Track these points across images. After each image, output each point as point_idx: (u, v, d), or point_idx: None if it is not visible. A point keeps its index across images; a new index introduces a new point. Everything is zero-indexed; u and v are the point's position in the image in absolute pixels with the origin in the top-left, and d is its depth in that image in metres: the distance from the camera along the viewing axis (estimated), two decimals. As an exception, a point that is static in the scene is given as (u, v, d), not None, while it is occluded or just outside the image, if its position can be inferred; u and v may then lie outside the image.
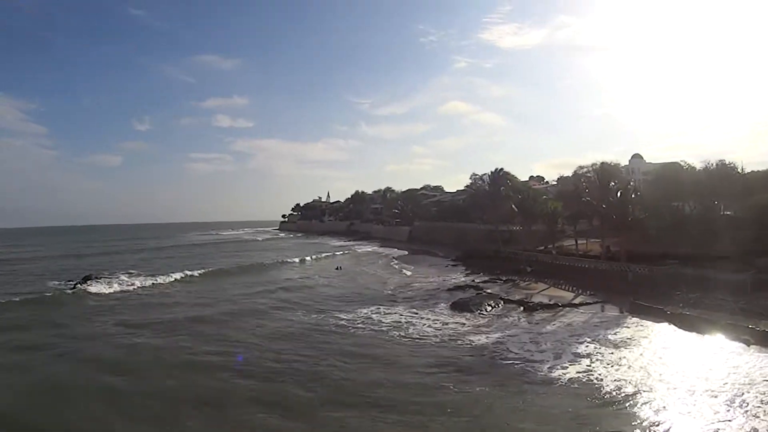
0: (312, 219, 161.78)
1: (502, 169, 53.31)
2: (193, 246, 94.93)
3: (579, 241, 49.18)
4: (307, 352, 20.31)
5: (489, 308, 31.55)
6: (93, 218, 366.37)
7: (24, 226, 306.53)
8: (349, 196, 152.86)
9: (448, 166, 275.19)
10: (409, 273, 48.97)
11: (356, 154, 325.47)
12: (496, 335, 24.23)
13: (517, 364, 19.32)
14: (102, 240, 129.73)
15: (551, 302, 33.16)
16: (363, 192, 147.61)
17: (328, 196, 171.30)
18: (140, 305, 31.27)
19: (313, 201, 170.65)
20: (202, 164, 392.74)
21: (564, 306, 32.65)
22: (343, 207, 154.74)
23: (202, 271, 45.58)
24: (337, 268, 54.03)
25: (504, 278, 41.17)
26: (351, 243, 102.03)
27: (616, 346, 22.49)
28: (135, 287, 38.53)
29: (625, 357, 20.45)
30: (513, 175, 60.58)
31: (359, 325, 25.32)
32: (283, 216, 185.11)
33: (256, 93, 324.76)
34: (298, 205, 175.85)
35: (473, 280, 41.45)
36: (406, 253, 73.62)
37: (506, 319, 28.47)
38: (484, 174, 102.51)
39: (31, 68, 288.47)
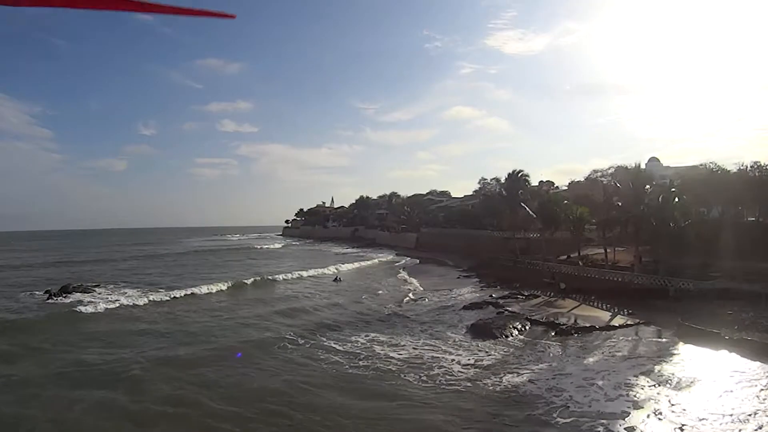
0: (315, 225, 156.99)
1: (520, 171, 48.25)
2: (188, 254, 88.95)
3: (597, 251, 44.33)
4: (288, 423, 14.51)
5: (515, 332, 26.61)
6: (99, 222, 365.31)
7: (30, 230, 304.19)
8: (354, 202, 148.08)
9: (453, 171, 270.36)
10: (417, 286, 43.92)
11: (361, 160, 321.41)
12: (538, 372, 19.26)
13: (587, 422, 14.32)
14: (103, 245, 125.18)
15: (586, 324, 28.23)
16: (368, 197, 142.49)
17: (332, 201, 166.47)
18: (103, 333, 25.52)
19: (317, 206, 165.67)
20: (207, 169, 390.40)
21: (601, 329, 27.74)
22: (348, 212, 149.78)
23: (188, 291, 38.54)
24: (335, 280, 48.99)
25: (525, 293, 36.10)
26: (355, 250, 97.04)
27: (684, 385, 18.05)
28: (115, 305, 32.97)
29: (709, 404, 15.94)
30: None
31: (362, 363, 19.79)
32: (287, 221, 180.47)
33: (260, 97, 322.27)
34: (301, 210, 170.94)
35: (490, 296, 36.43)
36: (414, 261, 68.51)
37: (540, 348, 23.53)
38: (493, 179, 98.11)
39: (37, 72, 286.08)
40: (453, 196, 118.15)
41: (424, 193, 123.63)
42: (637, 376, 19.45)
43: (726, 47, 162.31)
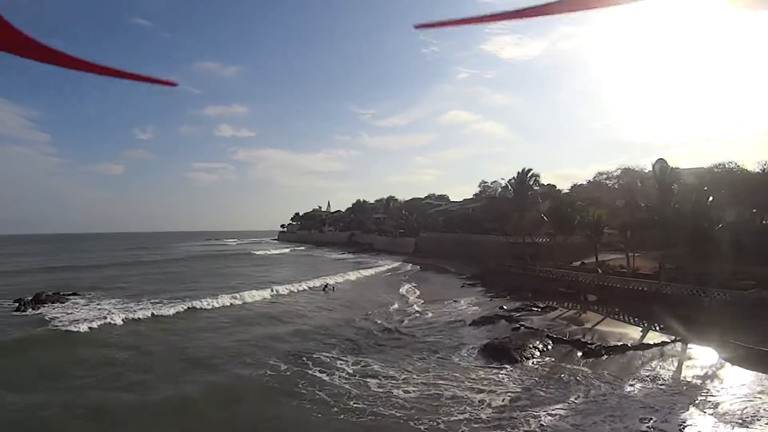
0: (311, 229, 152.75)
1: (529, 170, 43.94)
2: (180, 261, 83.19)
3: (611, 257, 40.48)
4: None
5: (537, 353, 22.44)
6: (97, 226, 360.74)
7: (29, 233, 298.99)
8: (350, 206, 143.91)
9: (450, 176, 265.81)
10: (418, 296, 39.56)
11: (358, 165, 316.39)
12: (582, 410, 15.07)
13: None
14: (96, 250, 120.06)
15: (617, 342, 24.08)
16: (365, 201, 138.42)
17: (329, 205, 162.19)
18: (52, 362, 20.22)
19: (313, 210, 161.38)
20: (204, 173, 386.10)
21: (635, 348, 23.62)
22: (344, 217, 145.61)
23: (164, 309, 32.09)
24: (324, 289, 44.24)
25: (541, 305, 31.89)
26: (352, 256, 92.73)
27: (753, 419, 14.67)
28: (84, 325, 27.72)
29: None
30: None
31: (355, 405, 14.96)
32: (282, 226, 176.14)
33: (257, 101, 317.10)
34: (297, 214, 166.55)
35: (501, 308, 32.21)
36: (413, 268, 64.24)
37: (570, 375, 19.34)
38: (494, 182, 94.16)
39: (35, 75, 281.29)
40: (451, 200, 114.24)
41: (422, 197, 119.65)
42: (700, 413, 15.55)
43: (724, 51, 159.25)
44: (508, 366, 20.56)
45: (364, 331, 26.72)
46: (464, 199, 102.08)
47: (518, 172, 44.47)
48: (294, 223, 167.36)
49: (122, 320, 29.04)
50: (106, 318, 29.43)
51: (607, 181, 79.45)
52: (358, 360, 20.03)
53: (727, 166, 47.17)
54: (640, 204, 33.85)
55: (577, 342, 23.97)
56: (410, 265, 67.55)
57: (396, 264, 68.98)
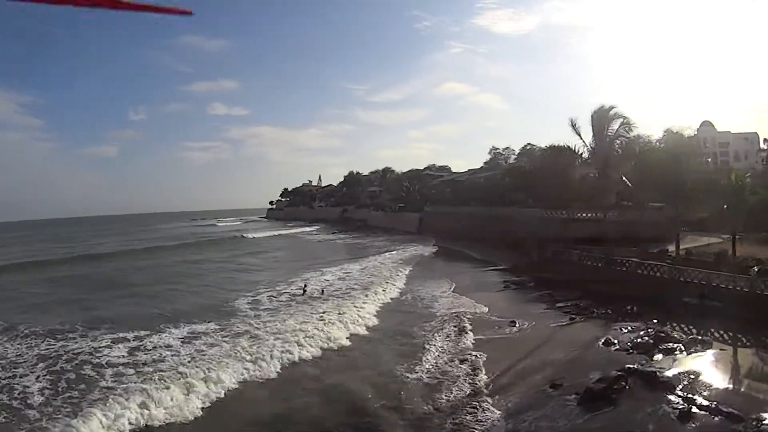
0: (301, 205, 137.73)
1: (613, 107, 27.03)
2: (145, 253, 64.00)
3: (696, 241, 27.00)
4: None
5: None
6: (93, 209, 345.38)
7: (25, 219, 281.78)
8: (342, 179, 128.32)
9: (444, 150, 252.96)
10: (452, 318, 24.86)
11: (351, 141, 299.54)
12: None
13: None
14: (66, 239, 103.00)
15: None
16: (358, 173, 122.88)
17: (320, 179, 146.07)
18: None
19: (303, 185, 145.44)
20: (198, 153, 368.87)
21: None
22: (336, 191, 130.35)
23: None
24: (303, 292, 29.59)
25: (678, 336, 17.61)
26: (343, 237, 78.13)
27: None
28: None
29: None
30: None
31: None
32: (271, 202, 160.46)
33: (246, 76, 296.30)
34: (286, 189, 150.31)
35: (606, 341, 17.96)
36: (423, 253, 49.64)
37: None
38: (505, 148, 79.26)
39: (25, 60, 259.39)
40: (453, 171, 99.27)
41: (422, 168, 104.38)
42: None
43: (719, 26, 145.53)
44: None
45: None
46: (470, 170, 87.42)
47: (595, 111, 27.32)
48: (283, 199, 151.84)
49: None
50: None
51: (647, 147, 65.24)
52: None
53: None
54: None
55: None
56: (417, 246, 53.47)
57: (397, 247, 54.32)
